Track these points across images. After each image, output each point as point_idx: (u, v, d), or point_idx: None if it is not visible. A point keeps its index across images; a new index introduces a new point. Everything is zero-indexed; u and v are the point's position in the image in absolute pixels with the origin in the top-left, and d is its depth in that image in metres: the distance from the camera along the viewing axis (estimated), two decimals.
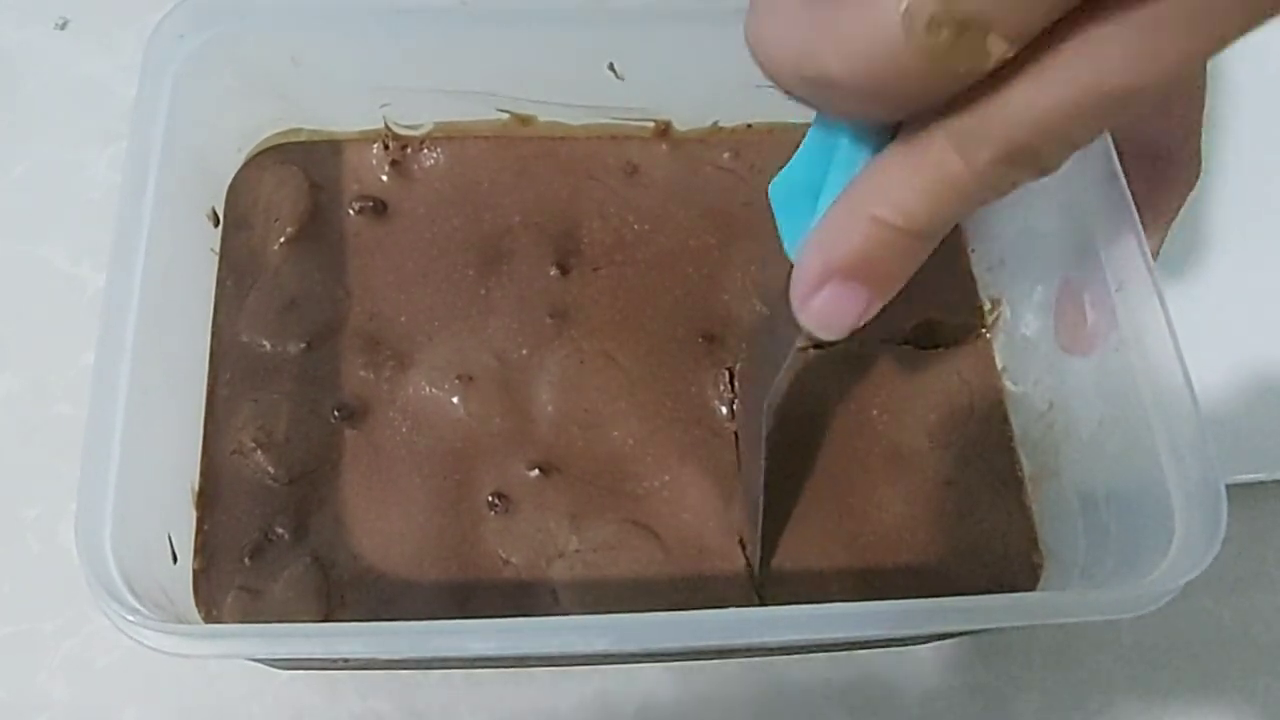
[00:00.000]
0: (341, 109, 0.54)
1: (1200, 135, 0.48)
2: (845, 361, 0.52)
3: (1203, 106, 0.48)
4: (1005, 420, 0.52)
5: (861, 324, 0.32)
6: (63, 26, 0.68)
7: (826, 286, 0.31)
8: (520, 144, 0.55)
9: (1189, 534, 0.41)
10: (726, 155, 0.56)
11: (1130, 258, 0.45)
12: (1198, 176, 0.48)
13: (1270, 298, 0.59)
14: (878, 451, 0.51)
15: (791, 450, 0.50)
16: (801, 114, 0.55)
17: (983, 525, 0.50)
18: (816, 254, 0.31)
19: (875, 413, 0.52)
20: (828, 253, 0.31)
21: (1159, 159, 0.48)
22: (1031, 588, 0.49)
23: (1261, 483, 0.54)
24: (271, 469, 0.48)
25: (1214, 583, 0.54)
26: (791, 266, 0.33)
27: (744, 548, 0.49)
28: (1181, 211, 0.49)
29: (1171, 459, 0.42)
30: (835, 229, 0.31)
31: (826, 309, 0.32)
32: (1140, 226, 0.45)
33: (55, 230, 0.61)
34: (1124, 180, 0.45)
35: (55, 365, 0.58)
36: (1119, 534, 0.45)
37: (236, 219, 0.53)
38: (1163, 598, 0.40)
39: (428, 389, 0.50)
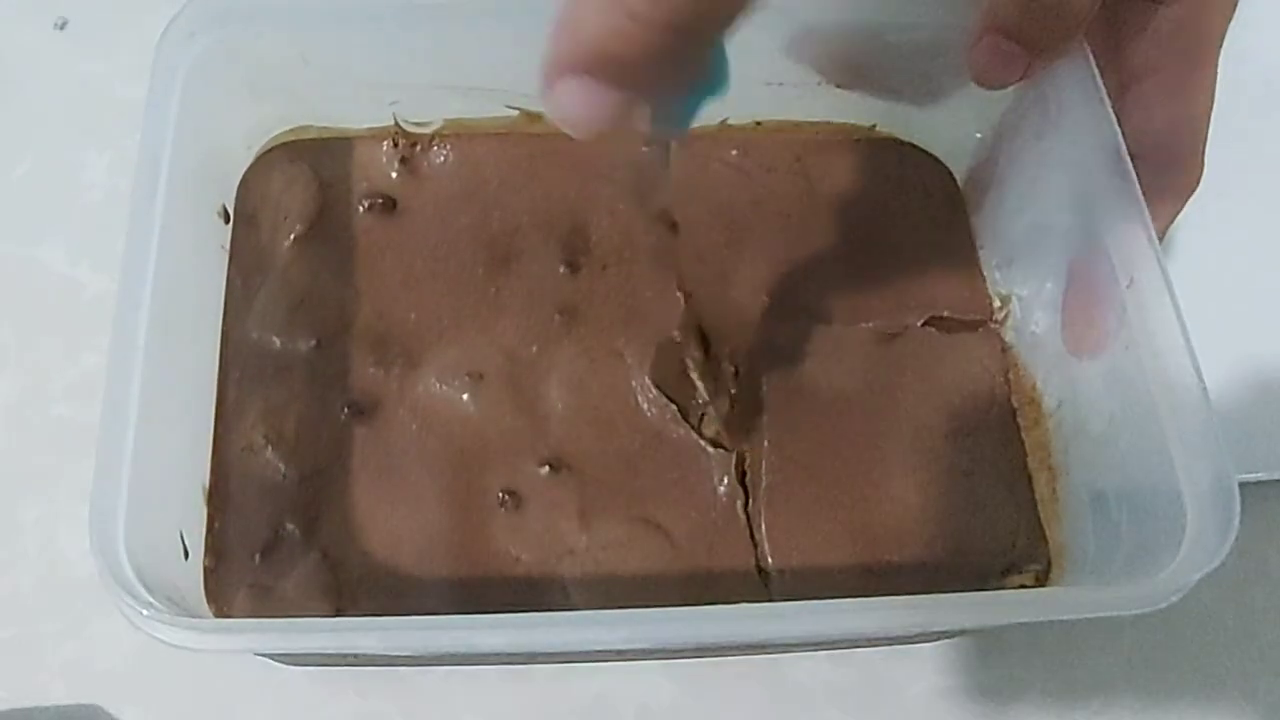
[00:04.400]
0: (351, 107, 0.54)
1: (1205, 140, 0.48)
2: (871, 344, 0.53)
3: (1207, 109, 0.48)
4: (1018, 414, 0.52)
5: (609, 127, 0.28)
6: (62, 27, 0.68)
7: (563, 80, 0.28)
8: (529, 141, 0.55)
9: (1201, 531, 0.40)
10: (735, 153, 0.57)
11: (1141, 253, 0.45)
12: (1199, 181, 0.48)
13: (1269, 297, 0.59)
14: (897, 440, 0.51)
15: (808, 436, 0.51)
16: (809, 113, 0.57)
17: (995, 519, 0.50)
18: (559, 38, 0.27)
19: (899, 396, 0.52)
20: (565, 41, 0.27)
21: (1161, 161, 0.48)
22: (1041, 583, 0.49)
23: (1263, 482, 0.55)
24: (282, 466, 0.48)
25: (1216, 582, 0.53)
26: None
27: None
28: (1184, 212, 0.49)
29: (1183, 456, 0.42)
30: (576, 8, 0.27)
31: (566, 103, 0.28)
32: (1150, 222, 0.45)
33: (54, 231, 0.61)
34: (1135, 176, 0.46)
35: (54, 367, 0.58)
36: (1130, 531, 0.45)
37: (246, 217, 0.53)
38: (1174, 594, 0.40)
39: (438, 386, 0.50)
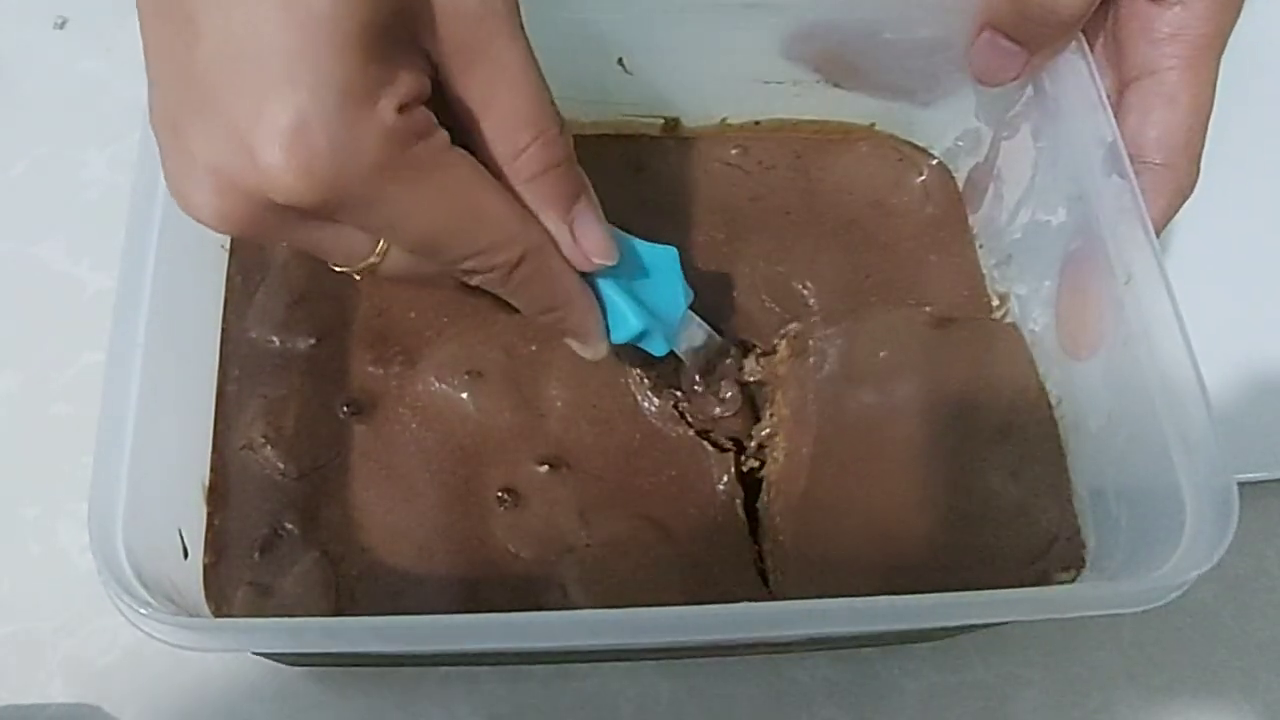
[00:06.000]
0: None
1: (1201, 143, 0.48)
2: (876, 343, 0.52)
3: (1205, 114, 0.48)
4: (1052, 414, 0.51)
5: None
6: (61, 26, 0.68)
7: None
8: None
9: (1199, 528, 0.40)
10: (734, 151, 0.57)
11: (1139, 250, 0.45)
12: (1194, 185, 0.48)
13: (1268, 297, 0.59)
14: (897, 442, 0.49)
15: (805, 436, 0.50)
16: (809, 111, 0.57)
17: (1012, 534, 0.48)
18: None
19: (898, 398, 0.50)
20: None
21: (1156, 163, 0.48)
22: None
23: (1261, 481, 0.55)
24: (281, 464, 0.48)
25: (1214, 580, 0.55)
26: None
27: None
28: (1182, 212, 0.49)
29: (1182, 454, 0.42)
30: None
31: None
32: (1149, 220, 0.45)
33: (54, 229, 0.61)
34: (1132, 175, 0.46)
35: (54, 365, 0.58)
36: (1129, 527, 0.45)
37: None
38: (1172, 592, 0.40)
39: (436, 384, 0.50)
